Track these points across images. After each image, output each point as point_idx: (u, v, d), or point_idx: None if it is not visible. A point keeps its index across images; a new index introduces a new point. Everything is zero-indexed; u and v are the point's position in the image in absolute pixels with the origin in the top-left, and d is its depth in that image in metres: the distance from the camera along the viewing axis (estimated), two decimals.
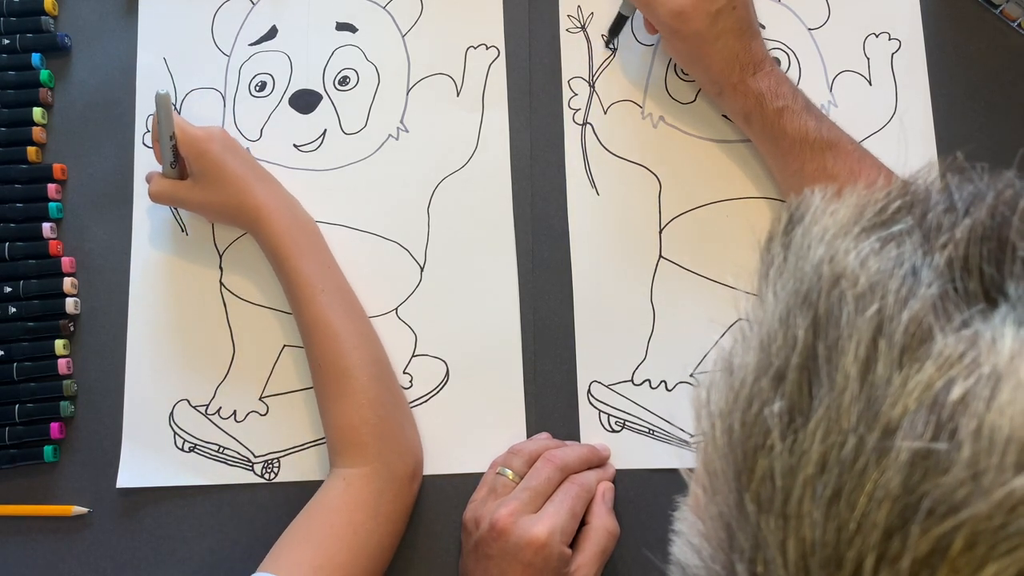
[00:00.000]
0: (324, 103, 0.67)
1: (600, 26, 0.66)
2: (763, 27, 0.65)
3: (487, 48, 0.67)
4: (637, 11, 0.62)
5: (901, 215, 0.25)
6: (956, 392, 0.21)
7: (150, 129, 0.64)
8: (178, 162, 0.61)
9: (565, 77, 0.66)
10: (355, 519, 0.53)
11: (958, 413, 0.20)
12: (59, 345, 0.63)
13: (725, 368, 0.26)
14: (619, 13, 0.63)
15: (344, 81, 0.67)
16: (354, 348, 0.57)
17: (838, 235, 0.25)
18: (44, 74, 0.68)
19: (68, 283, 0.64)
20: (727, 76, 0.57)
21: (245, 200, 0.59)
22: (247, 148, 0.66)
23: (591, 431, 0.60)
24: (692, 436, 0.59)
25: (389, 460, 0.55)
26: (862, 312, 0.23)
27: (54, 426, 0.62)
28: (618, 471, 0.59)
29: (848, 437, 0.22)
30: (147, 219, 0.66)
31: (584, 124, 0.65)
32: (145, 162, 0.67)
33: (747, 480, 0.23)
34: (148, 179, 0.63)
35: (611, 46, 0.65)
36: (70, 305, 0.64)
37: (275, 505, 0.60)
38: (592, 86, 0.65)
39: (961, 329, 0.22)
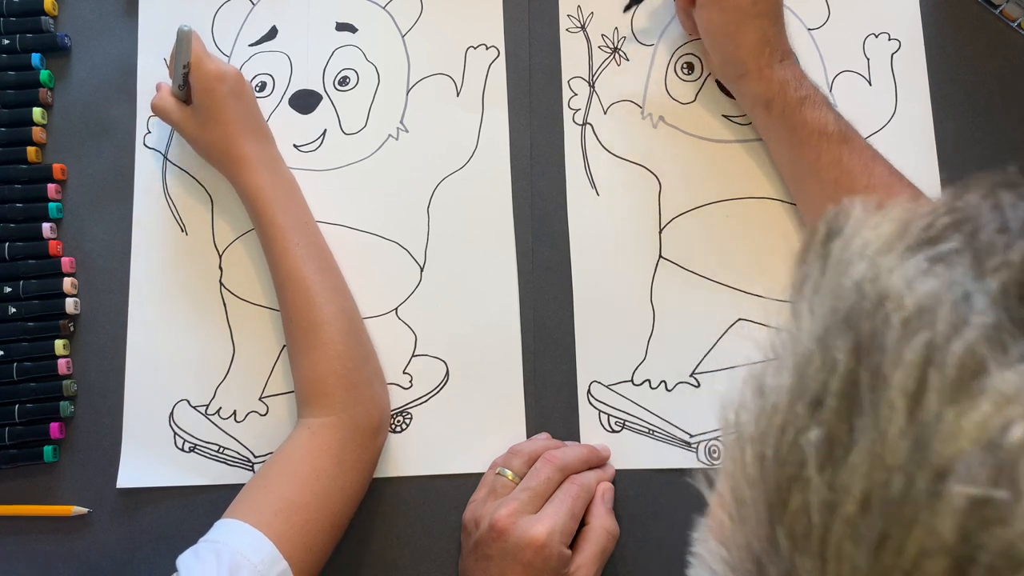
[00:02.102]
0: (324, 103, 0.67)
1: (600, 26, 0.66)
2: None
3: (487, 48, 0.67)
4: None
5: (949, 233, 0.23)
6: (1016, 433, 0.19)
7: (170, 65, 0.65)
8: (186, 87, 0.61)
9: (565, 77, 0.66)
10: (318, 466, 0.53)
11: (1018, 457, 0.19)
12: (59, 345, 0.63)
13: (756, 389, 0.24)
14: None
15: (344, 81, 0.67)
16: (326, 303, 0.57)
17: (881, 251, 0.23)
18: (44, 74, 0.68)
19: (68, 283, 0.64)
20: (755, 58, 0.57)
21: (232, 148, 0.60)
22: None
23: (591, 431, 0.60)
24: (692, 436, 0.60)
25: (355, 411, 0.56)
26: (909, 338, 0.21)
27: (54, 426, 0.62)
28: (618, 471, 0.59)
29: (894, 476, 0.20)
30: (147, 219, 0.66)
31: (584, 124, 0.65)
32: (145, 163, 0.67)
33: (780, 513, 0.22)
34: (158, 87, 0.64)
35: (631, 10, 0.65)
36: (70, 305, 0.64)
37: None
38: (592, 86, 0.65)
39: (1018, 363, 0.20)
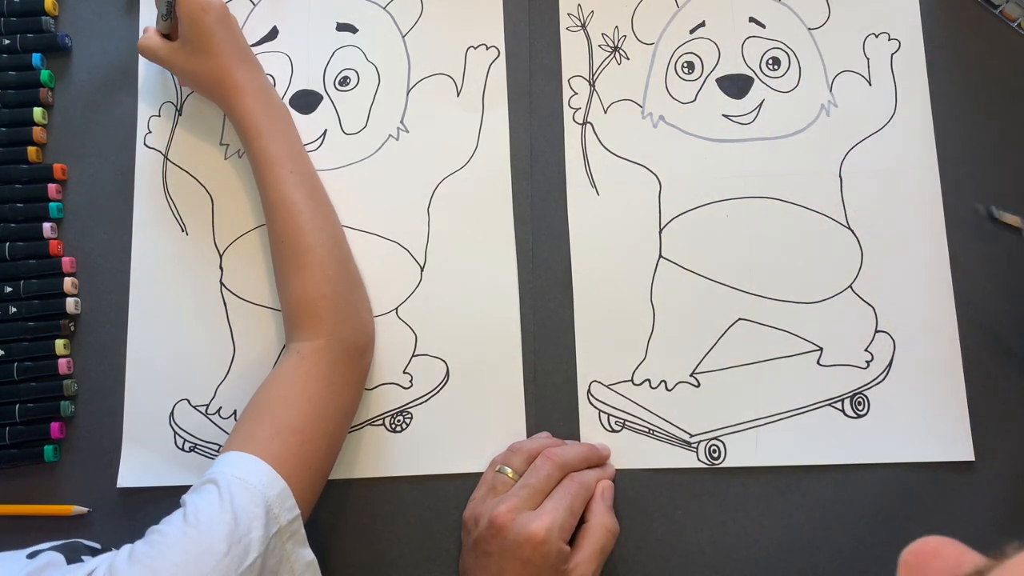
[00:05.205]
0: (324, 103, 0.67)
1: (601, 24, 0.66)
2: (763, 26, 0.65)
3: (487, 48, 0.67)
4: None
5: None
6: None
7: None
8: (171, 18, 0.62)
9: (565, 76, 0.66)
10: (309, 388, 0.54)
11: None
12: (59, 345, 0.64)
13: None
14: None
15: (344, 81, 0.67)
16: (315, 228, 0.58)
17: None
18: (44, 74, 0.68)
19: (68, 283, 0.65)
20: None
21: (224, 76, 0.61)
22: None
23: (591, 431, 0.60)
24: (692, 436, 0.60)
25: (342, 334, 0.56)
26: None
27: (54, 426, 0.62)
28: (618, 471, 0.59)
29: None
30: (147, 219, 0.66)
31: (584, 124, 0.65)
32: (145, 163, 0.67)
33: None
34: (145, 30, 0.65)
35: None
36: (70, 305, 0.64)
37: None
38: (592, 85, 0.65)
39: None
